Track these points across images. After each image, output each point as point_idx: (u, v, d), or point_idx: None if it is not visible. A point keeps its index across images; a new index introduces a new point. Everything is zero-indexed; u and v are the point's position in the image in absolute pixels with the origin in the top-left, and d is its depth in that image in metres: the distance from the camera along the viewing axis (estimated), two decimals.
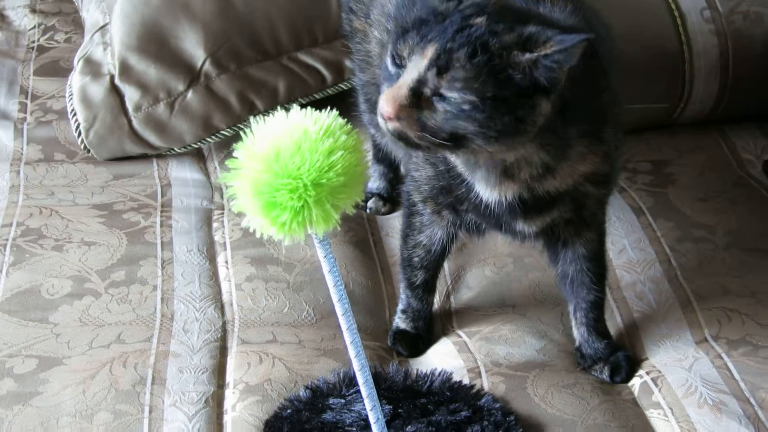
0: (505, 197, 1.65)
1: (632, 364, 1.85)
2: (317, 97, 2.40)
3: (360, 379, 1.50)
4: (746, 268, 2.03)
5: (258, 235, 1.36)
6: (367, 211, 2.27)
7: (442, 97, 1.47)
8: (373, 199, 2.29)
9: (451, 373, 1.77)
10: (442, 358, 1.86)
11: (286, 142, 1.32)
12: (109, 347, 1.80)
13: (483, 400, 1.69)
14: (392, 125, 1.48)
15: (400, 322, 1.94)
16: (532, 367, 1.83)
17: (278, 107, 2.25)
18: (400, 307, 1.95)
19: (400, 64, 1.50)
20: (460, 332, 1.93)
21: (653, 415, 1.72)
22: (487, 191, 1.66)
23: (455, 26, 1.48)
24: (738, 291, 1.97)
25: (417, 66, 1.47)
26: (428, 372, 1.75)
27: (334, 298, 1.44)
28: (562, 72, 1.47)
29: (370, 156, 2.25)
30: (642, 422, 1.71)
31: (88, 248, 2.05)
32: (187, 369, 1.77)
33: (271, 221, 1.33)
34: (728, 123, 2.51)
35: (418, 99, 1.47)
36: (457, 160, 1.66)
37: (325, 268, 1.42)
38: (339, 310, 1.45)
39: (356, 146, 1.36)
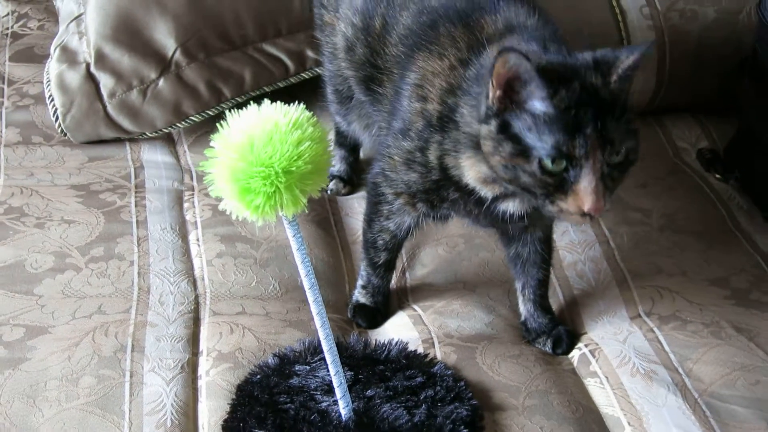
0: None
1: (572, 337, 1.96)
2: (280, 85, 2.49)
3: (325, 347, 1.62)
4: (678, 248, 2.14)
5: (234, 217, 1.49)
6: (329, 192, 2.35)
7: (615, 166, 1.58)
8: (334, 180, 2.37)
9: (406, 344, 1.88)
10: (398, 330, 1.96)
11: (259, 134, 1.44)
12: (91, 317, 1.92)
13: (436, 368, 1.80)
14: (599, 214, 1.57)
15: (360, 296, 2.03)
16: (481, 339, 1.94)
17: (244, 95, 2.41)
18: (360, 282, 2.03)
19: (573, 165, 1.55)
20: (415, 306, 2.03)
21: (590, 383, 1.84)
22: (510, 204, 1.74)
23: (591, 106, 1.55)
24: (670, 270, 2.08)
25: (596, 161, 1.55)
26: (386, 342, 1.86)
27: (302, 273, 1.57)
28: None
29: (331, 138, 2.34)
30: (580, 389, 1.83)
31: (68, 226, 2.15)
32: (164, 338, 1.88)
33: (245, 204, 1.46)
34: (665, 113, 2.60)
35: (605, 183, 1.57)
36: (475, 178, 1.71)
37: (294, 246, 1.55)
38: (306, 284, 1.58)
39: (322, 137, 1.48)
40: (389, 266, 2.01)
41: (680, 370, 1.82)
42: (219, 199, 1.49)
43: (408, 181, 1.82)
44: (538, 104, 1.56)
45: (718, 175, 2.38)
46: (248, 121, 1.47)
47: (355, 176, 2.40)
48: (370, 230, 1.97)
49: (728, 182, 2.36)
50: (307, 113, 1.49)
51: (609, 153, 1.56)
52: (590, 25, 2.42)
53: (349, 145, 2.38)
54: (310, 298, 1.60)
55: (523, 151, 1.57)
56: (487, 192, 1.71)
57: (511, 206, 1.73)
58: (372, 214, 1.95)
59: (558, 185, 1.57)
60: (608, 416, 1.77)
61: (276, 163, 1.43)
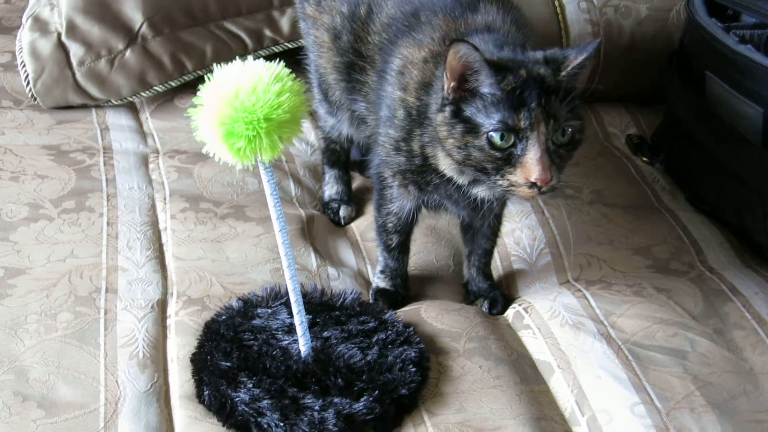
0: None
1: (507, 300, 2.12)
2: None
3: (289, 287, 1.78)
4: (607, 219, 2.30)
5: (216, 160, 1.64)
6: (342, 222, 2.36)
7: (562, 146, 1.73)
8: (342, 208, 2.36)
9: (360, 293, 2.04)
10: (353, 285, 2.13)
11: (245, 84, 1.60)
12: (65, 261, 2.05)
13: (387, 315, 1.96)
14: (547, 186, 1.70)
15: (379, 281, 2.13)
16: (425, 298, 2.13)
17: (205, 68, 2.56)
18: (379, 268, 2.13)
19: (519, 137, 1.69)
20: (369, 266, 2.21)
21: (524, 335, 2.00)
22: (479, 189, 1.85)
23: (536, 88, 1.69)
24: (598, 239, 2.24)
25: (540, 133, 1.69)
26: (341, 291, 2.02)
27: (273, 216, 1.73)
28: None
29: (323, 162, 2.43)
30: (515, 339, 1.99)
31: (41, 180, 2.28)
32: (135, 282, 2.03)
33: (228, 147, 1.61)
34: (599, 102, 2.76)
35: (550, 156, 1.71)
36: (449, 167, 1.84)
37: (267, 190, 1.71)
38: (276, 226, 1.74)
39: (300, 90, 1.64)
40: (403, 249, 2.11)
41: (605, 322, 1.98)
42: (200, 146, 1.65)
43: (399, 162, 1.94)
44: (487, 89, 1.71)
45: (645, 158, 2.55)
46: (234, 73, 1.62)
47: (352, 196, 2.43)
48: (380, 215, 2.08)
49: (654, 165, 2.53)
50: (287, 69, 1.65)
51: (553, 128, 1.71)
52: (532, 17, 2.51)
53: (341, 163, 2.40)
54: (279, 240, 1.75)
55: (472, 129, 1.72)
56: (462, 179, 1.85)
57: (481, 192, 1.85)
58: (380, 200, 2.06)
59: (506, 159, 1.71)
60: (540, 361, 1.93)
61: (259, 110, 1.59)
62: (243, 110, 1.59)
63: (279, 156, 1.66)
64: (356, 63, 2.03)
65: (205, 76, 1.65)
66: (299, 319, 1.81)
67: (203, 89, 1.64)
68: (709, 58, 2.28)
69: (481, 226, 2.09)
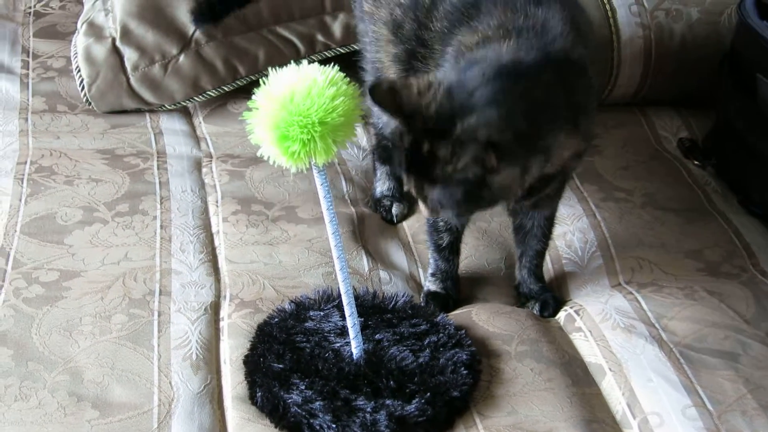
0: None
1: (558, 303, 2.12)
2: None
3: (342, 289, 1.80)
4: (659, 222, 2.29)
5: (270, 162, 1.66)
6: (394, 220, 2.36)
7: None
8: (394, 205, 2.35)
9: (412, 296, 2.06)
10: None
11: (299, 88, 1.62)
12: (119, 264, 2.08)
13: (439, 318, 1.97)
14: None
15: (430, 284, 2.13)
16: (476, 300, 2.13)
17: (258, 73, 2.58)
18: (430, 270, 2.13)
19: None
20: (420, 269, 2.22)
21: (576, 337, 2.00)
22: None
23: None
24: (650, 242, 2.23)
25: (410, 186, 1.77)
26: (393, 294, 2.03)
27: (326, 218, 1.75)
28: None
29: (374, 159, 2.45)
30: (566, 341, 1.99)
31: (96, 184, 2.31)
32: (189, 285, 2.05)
33: (283, 151, 1.63)
34: (650, 105, 2.75)
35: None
36: None
37: (321, 194, 1.73)
38: (329, 229, 1.76)
39: (354, 94, 1.66)
40: (453, 249, 2.11)
41: (657, 325, 1.98)
42: (253, 151, 1.67)
43: None
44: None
45: (696, 162, 2.53)
46: (289, 77, 1.64)
47: (404, 193, 2.36)
48: None
49: (705, 169, 2.51)
50: (341, 73, 1.66)
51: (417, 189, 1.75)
52: None
53: (392, 159, 2.38)
54: (332, 242, 1.77)
55: None
56: None
57: None
58: None
59: None
60: (591, 364, 1.93)
61: (313, 114, 1.61)
62: (298, 114, 1.61)
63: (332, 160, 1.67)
64: (417, 51, 2.02)
65: (260, 80, 1.67)
66: (351, 322, 1.83)
67: (258, 93, 1.66)
68: (761, 61, 2.27)
69: (532, 227, 2.09)
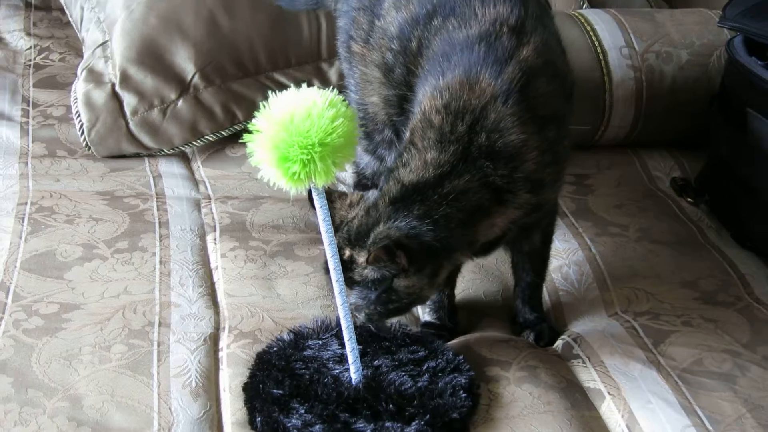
0: None
1: (554, 333, 2.14)
2: None
3: (341, 313, 1.81)
4: (653, 255, 2.32)
5: (270, 185, 1.68)
6: None
7: None
8: None
9: (408, 326, 2.07)
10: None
11: (299, 109, 1.64)
12: (119, 297, 2.10)
13: (436, 344, 1.98)
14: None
15: (425, 315, 2.16)
16: (473, 332, 2.14)
17: None
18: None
19: None
20: None
21: (574, 364, 2.01)
22: None
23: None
24: (645, 273, 2.26)
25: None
26: (390, 323, 2.03)
27: (325, 242, 1.76)
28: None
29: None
30: (565, 367, 2.00)
31: (95, 223, 2.33)
32: (188, 317, 2.07)
33: (283, 172, 1.65)
34: (642, 146, 2.78)
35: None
36: None
37: (320, 216, 1.74)
38: (328, 252, 1.76)
39: (353, 116, 1.68)
40: (446, 281, 2.09)
41: (654, 351, 2.00)
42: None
43: None
44: None
45: (689, 199, 2.56)
46: (289, 99, 1.67)
47: None
48: None
49: (698, 206, 2.54)
50: (340, 96, 1.69)
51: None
52: (574, 64, 2.52)
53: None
54: (331, 266, 1.78)
55: None
56: None
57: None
58: None
59: None
60: (590, 389, 1.94)
61: (313, 135, 1.63)
62: (298, 135, 1.63)
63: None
64: (407, 96, 2.04)
65: (261, 104, 1.69)
66: (350, 346, 1.84)
67: (259, 115, 1.68)
68: (750, 96, 2.31)
69: (524, 261, 2.13)
